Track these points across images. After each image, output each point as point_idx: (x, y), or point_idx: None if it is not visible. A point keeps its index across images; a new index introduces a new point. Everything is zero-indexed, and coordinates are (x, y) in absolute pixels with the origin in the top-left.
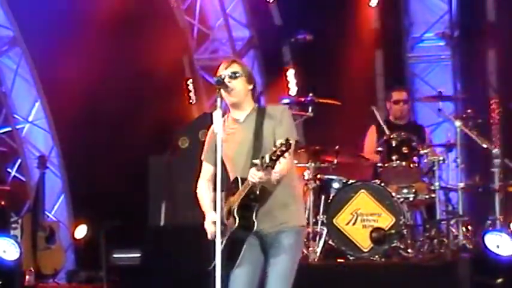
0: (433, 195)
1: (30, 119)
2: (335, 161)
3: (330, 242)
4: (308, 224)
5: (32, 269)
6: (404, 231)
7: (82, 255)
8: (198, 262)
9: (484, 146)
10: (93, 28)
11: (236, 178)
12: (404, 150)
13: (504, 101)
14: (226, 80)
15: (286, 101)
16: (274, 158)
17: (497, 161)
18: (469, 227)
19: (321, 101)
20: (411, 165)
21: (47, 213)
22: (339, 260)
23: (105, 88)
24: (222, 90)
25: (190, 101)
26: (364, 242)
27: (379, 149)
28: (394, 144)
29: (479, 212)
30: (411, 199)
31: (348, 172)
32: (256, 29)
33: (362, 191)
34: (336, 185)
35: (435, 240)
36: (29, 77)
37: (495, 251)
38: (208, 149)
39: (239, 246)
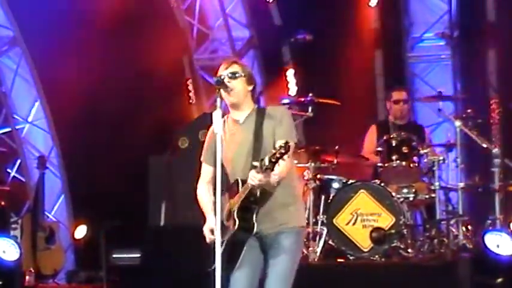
0: (433, 195)
1: (30, 119)
2: (335, 161)
3: (330, 242)
4: (308, 224)
5: (31, 269)
6: (404, 231)
7: (82, 255)
8: (198, 262)
9: (484, 146)
10: (93, 28)
11: (236, 180)
12: (404, 150)
13: (504, 101)
14: (226, 80)
15: (286, 101)
16: (273, 160)
17: (497, 161)
18: (469, 227)
19: (320, 101)
20: (411, 165)
21: (46, 213)
22: (339, 260)
23: (105, 88)
24: (221, 91)
25: (190, 101)
26: (364, 242)
27: (379, 149)
28: (394, 144)
29: (479, 211)
30: (411, 199)
31: (347, 172)
32: (256, 29)
33: (362, 191)
34: (335, 185)
35: (435, 240)
36: (29, 77)
37: (495, 251)
38: (208, 150)
39: (239, 248)
